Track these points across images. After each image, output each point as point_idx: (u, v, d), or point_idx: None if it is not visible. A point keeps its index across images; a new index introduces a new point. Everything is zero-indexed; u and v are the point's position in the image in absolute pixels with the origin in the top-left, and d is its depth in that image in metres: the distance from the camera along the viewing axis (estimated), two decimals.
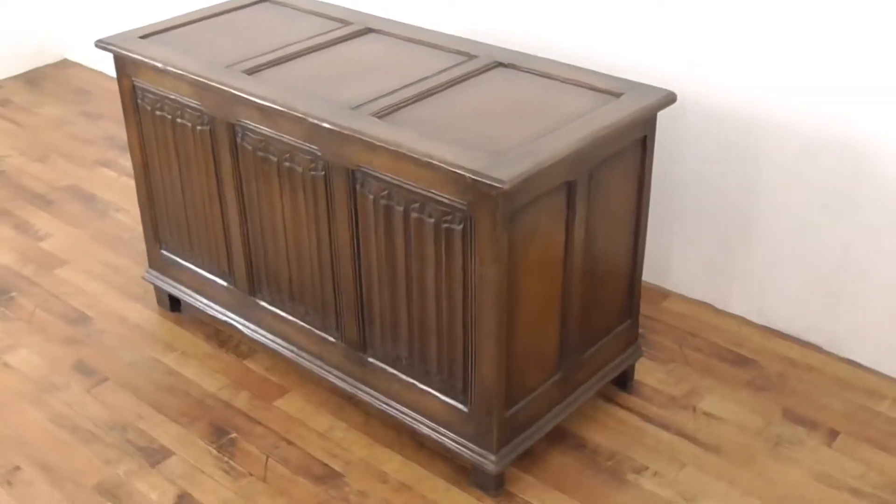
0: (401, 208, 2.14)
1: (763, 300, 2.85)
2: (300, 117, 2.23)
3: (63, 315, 2.96)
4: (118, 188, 3.63)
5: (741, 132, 2.70)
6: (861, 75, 2.45)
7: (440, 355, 2.25)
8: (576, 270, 2.26)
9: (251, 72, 2.43)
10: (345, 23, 2.73)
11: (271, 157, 2.36)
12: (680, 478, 2.37)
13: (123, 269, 3.16)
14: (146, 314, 2.96)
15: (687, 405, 2.60)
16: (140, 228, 3.31)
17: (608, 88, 2.31)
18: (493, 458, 2.24)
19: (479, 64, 2.45)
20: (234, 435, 2.51)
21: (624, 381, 2.62)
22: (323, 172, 2.26)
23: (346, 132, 2.15)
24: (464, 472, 2.37)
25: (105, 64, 4.54)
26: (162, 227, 2.81)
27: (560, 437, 2.47)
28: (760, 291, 2.85)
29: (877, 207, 2.54)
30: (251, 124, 2.36)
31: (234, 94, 2.34)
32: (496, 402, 2.19)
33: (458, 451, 2.30)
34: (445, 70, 2.42)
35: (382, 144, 2.09)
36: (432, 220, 2.10)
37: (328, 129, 2.18)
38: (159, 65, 2.49)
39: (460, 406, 2.26)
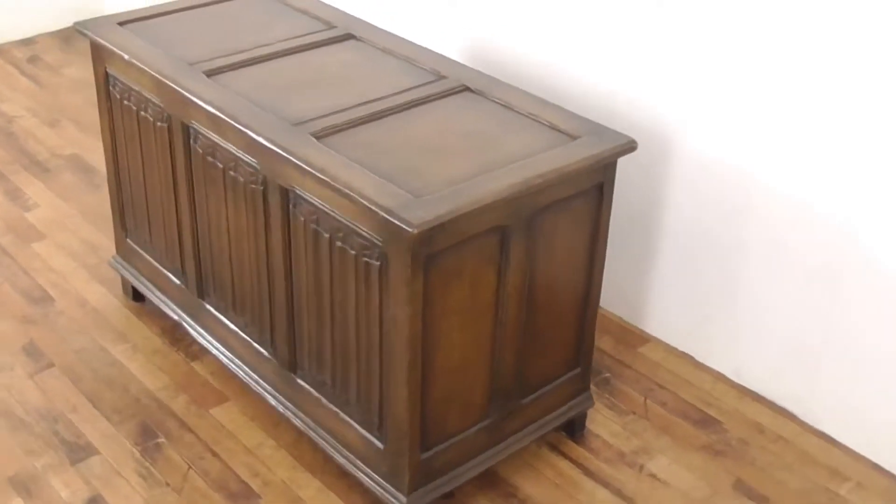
0: (327, 235, 2.05)
1: (742, 359, 2.69)
2: (241, 130, 2.14)
3: (26, 292, 2.94)
4: None
5: (733, 185, 2.54)
6: (857, 151, 2.28)
7: (359, 387, 2.16)
8: (510, 317, 2.14)
9: (211, 73, 2.36)
10: (329, 26, 2.63)
11: (218, 164, 2.29)
12: None
13: (100, 249, 3.13)
14: (108, 300, 2.92)
15: (634, 463, 2.46)
16: None
17: (567, 129, 2.17)
18: (403, 499, 2.15)
19: (445, 86, 2.33)
20: (161, 440, 2.45)
21: (573, 429, 2.49)
22: (262, 187, 2.18)
23: (278, 150, 2.06)
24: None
25: None
26: (127, 216, 2.76)
27: (491, 482, 2.36)
28: (740, 349, 2.69)
29: (861, 284, 2.37)
30: (202, 129, 2.29)
31: (187, 97, 2.27)
32: (409, 444, 2.10)
33: (371, 487, 2.21)
34: (409, 90, 2.32)
35: (308, 168, 1.99)
36: (353, 252, 2.00)
37: (264, 144, 2.09)
38: (126, 56, 2.43)
39: (377, 442, 2.17)
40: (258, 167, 2.16)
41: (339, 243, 2.03)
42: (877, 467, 2.46)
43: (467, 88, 2.34)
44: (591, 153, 2.09)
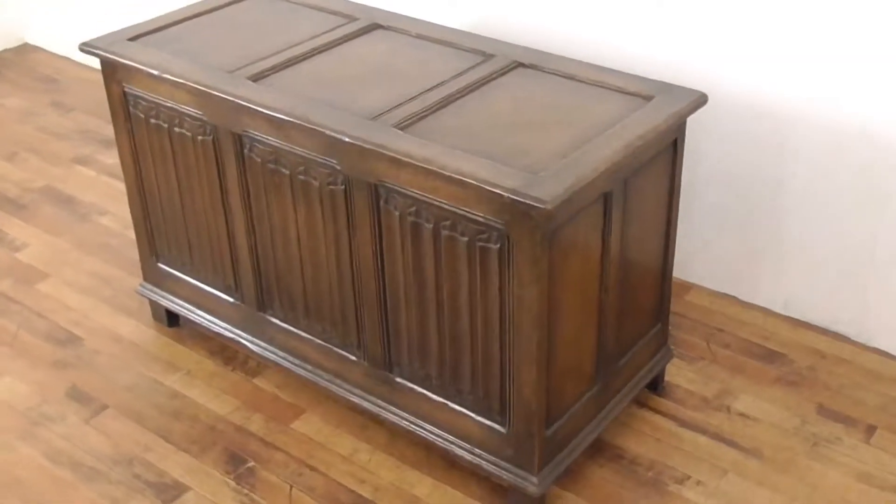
0: (430, 225, 2.01)
1: (789, 291, 2.76)
2: (316, 130, 2.07)
3: (49, 335, 2.79)
4: (100, 188, 3.44)
5: (766, 127, 2.59)
6: (890, 66, 2.34)
7: (474, 375, 2.13)
8: (611, 280, 2.14)
9: (256, 78, 2.26)
10: (349, 18, 2.56)
11: (283, 170, 2.21)
12: (723, 486, 2.28)
13: (113, 281, 2.99)
14: (142, 331, 2.79)
15: (720, 406, 2.50)
16: (129, 234, 3.16)
17: (637, 91, 2.17)
18: (534, 479, 2.13)
19: (498, 65, 2.30)
20: (251, 463, 2.37)
21: (655, 384, 2.52)
22: (343, 186, 2.11)
23: (367, 147, 2.00)
24: (500, 492, 2.26)
25: (72, 49, 4.30)
26: (158, 240, 2.64)
27: (597, 449, 2.37)
28: (787, 282, 2.75)
29: None
30: (260, 135, 2.20)
31: (240, 105, 2.18)
32: (537, 424, 2.08)
33: (495, 472, 2.18)
34: (464, 72, 2.27)
35: (410, 160, 1.94)
36: (465, 239, 1.96)
37: (347, 142, 2.03)
38: (155, 72, 2.31)
39: (498, 427, 2.14)
40: (338, 167, 2.09)
41: (445, 232, 1.99)
42: None
43: (520, 64, 2.31)
44: (673, 110, 2.10)
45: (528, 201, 1.80)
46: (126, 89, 2.43)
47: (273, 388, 2.58)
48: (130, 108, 2.46)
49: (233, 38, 2.46)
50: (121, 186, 3.38)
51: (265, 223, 2.33)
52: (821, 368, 2.62)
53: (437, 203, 1.97)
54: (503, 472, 2.17)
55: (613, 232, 2.08)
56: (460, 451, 2.22)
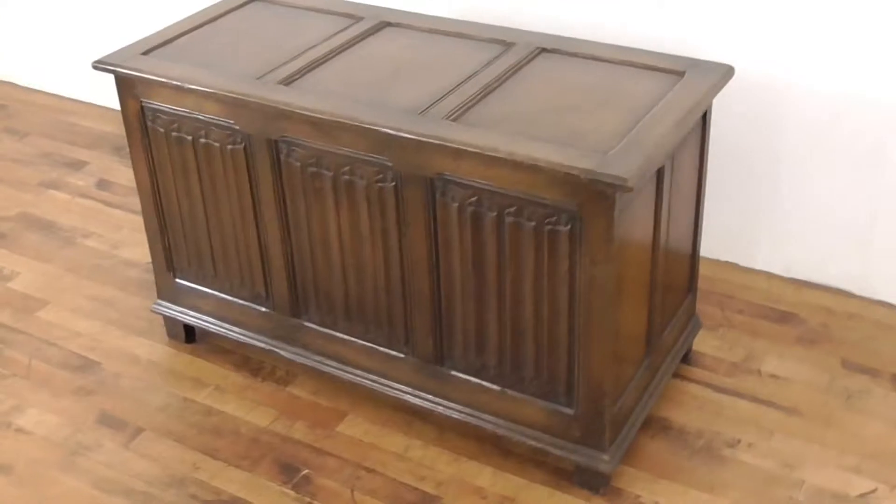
0: (493, 214, 2.02)
1: (790, 253, 2.86)
2: (366, 128, 2.06)
3: (65, 363, 2.70)
4: (77, 211, 3.34)
5: (763, 96, 2.67)
6: (885, 34, 2.46)
7: (538, 360, 2.15)
8: (660, 255, 2.19)
9: (286, 82, 2.24)
10: (354, 18, 2.55)
11: (325, 172, 2.19)
12: (773, 445, 2.36)
13: (115, 302, 2.91)
14: (159, 350, 2.73)
15: (750, 370, 2.58)
16: (120, 254, 3.10)
17: (668, 68, 2.23)
18: (605, 457, 2.18)
19: (522, 52, 2.33)
20: (306, 471, 2.34)
21: (686, 354, 2.58)
22: (393, 183, 2.11)
23: (424, 140, 2.00)
24: (562, 475, 2.29)
25: (15, 73, 4.17)
26: (176, 255, 2.58)
27: (644, 422, 2.41)
28: (786, 245, 2.85)
29: None
30: (300, 139, 2.18)
31: (280, 109, 2.15)
32: (607, 402, 2.12)
33: (562, 454, 2.21)
34: (492, 62, 2.30)
35: (475, 150, 1.95)
36: (532, 224, 1.99)
37: (404, 137, 2.02)
38: (181, 83, 2.26)
39: (564, 409, 2.17)
40: (388, 163, 2.09)
41: (510, 219, 2.01)
42: None
43: (543, 50, 2.34)
44: (709, 83, 2.16)
45: (607, 180, 1.83)
46: (144, 104, 2.38)
47: (309, 395, 2.55)
48: (148, 123, 2.40)
49: (245, 46, 2.43)
50: (99, 207, 3.32)
51: (302, 228, 2.31)
52: (833, 325, 2.72)
53: (500, 191, 1.99)
54: (571, 453, 2.20)
55: (664, 208, 2.13)
56: (522, 437, 2.25)
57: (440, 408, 2.34)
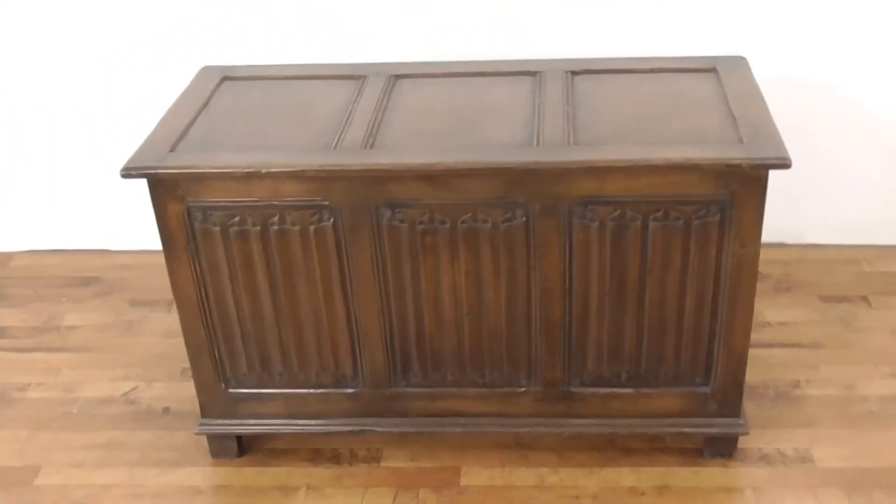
0: (636, 223, 2.12)
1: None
2: (498, 168, 2.07)
3: None
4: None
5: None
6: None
7: (678, 351, 2.27)
8: None
9: (365, 146, 2.17)
10: (358, 77, 2.49)
11: (440, 226, 2.15)
12: (823, 375, 2.67)
13: (119, 444, 2.58)
14: (214, 472, 2.48)
15: (763, 323, 2.87)
16: (82, 395, 2.78)
17: (699, 67, 2.44)
18: (741, 421, 2.35)
19: (556, 77, 2.42)
20: None
21: None
22: (524, 219, 2.13)
23: (572, 167, 2.05)
24: (688, 453, 2.42)
25: None
26: (231, 363, 2.38)
27: None
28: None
29: None
30: (409, 199, 2.13)
31: (388, 172, 2.09)
32: (742, 371, 2.29)
33: (699, 431, 2.36)
34: (537, 90, 2.38)
35: (628, 163, 2.04)
36: (680, 222, 2.11)
37: (545, 169, 2.06)
38: (250, 169, 2.10)
39: (700, 389, 2.31)
40: (520, 200, 2.11)
41: (655, 224, 2.11)
42: None
43: (573, 73, 2.46)
44: (745, 73, 2.40)
45: (770, 164, 2.01)
46: (190, 205, 2.18)
47: (409, 462, 2.47)
48: (196, 225, 2.20)
49: (274, 124, 2.29)
50: (30, 357, 2.92)
51: (406, 292, 2.24)
52: (792, 271, 3.09)
53: (643, 201, 2.09)
54: (708, 428, 2.35)
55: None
56: (656, 428, 2.36)
57: (563, 428, 2.38)
